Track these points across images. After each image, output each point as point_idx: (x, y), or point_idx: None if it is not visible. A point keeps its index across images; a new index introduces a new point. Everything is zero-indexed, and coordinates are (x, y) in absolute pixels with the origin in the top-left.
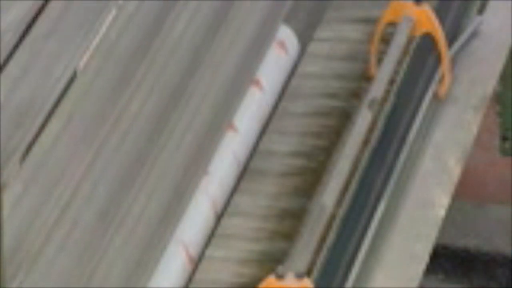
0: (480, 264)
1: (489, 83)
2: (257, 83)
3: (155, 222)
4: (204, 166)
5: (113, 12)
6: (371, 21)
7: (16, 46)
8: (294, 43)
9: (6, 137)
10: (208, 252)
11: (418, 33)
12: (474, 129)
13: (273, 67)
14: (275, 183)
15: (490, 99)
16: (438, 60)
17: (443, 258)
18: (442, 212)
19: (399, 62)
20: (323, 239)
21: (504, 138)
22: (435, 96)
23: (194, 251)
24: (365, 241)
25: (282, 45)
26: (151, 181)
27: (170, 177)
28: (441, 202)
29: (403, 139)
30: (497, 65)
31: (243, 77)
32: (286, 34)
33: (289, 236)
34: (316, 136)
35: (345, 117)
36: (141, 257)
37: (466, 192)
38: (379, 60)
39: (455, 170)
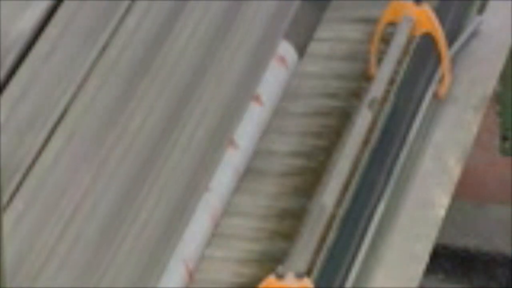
0: (480, 264)
1: (489, 83)
2: (257, 98)
3: (157, 239)
4: (206, 183)
5: (114, 29)
6: (371, 21)
7: (17, 65)
8: (294, 58)
9: (7, 156)
10: (208, 252)
11: (418, 33)
12: (474, 129)
13: (273, 83)
14: (275, 183)
15: (490, 99)
16: (438, 60)
17: (443, 258)
18: (442, 212)
19: (399, 62)
20: (323, 239)
21: (504, 138)
22: (435, 96)
23: (194, 267)
24: (365, 241)
25: (282, 60)
26: (153, 198)
27: (172, 193)
28: (441, 202)
29: (403, 139)
30: (497, 65)
31: (244, 93)
32: (286, 49)
33: (289, 236)
34: (316, 136)
35: (345, 117)
36: (143, 274)
37: (466, 192)
38: (379, 60)
39: (455, 170)
